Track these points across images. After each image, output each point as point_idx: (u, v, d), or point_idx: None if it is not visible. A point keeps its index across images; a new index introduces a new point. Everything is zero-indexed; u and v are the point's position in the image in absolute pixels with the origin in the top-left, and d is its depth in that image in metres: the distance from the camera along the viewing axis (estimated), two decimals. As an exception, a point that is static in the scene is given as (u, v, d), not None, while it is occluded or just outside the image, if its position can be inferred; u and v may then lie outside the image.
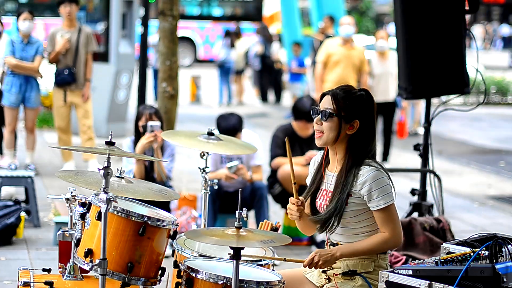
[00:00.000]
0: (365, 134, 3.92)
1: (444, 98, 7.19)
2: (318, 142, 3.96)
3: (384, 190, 3.86)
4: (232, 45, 18.90)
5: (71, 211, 4.08)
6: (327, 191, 3.99)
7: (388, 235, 3.88)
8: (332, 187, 3.96)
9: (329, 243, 4.08)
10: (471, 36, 7.07)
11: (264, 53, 19.15)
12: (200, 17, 27.26)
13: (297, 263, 3.97)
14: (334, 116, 3.89)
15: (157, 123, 6.65)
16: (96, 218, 3.77)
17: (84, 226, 3.89)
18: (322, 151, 4.09)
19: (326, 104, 3.92)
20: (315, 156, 4.16)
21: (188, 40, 26.51)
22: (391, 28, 22.93)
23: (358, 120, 3.90)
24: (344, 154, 3.95)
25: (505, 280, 3.50)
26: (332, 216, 3.92)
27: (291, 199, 3.97)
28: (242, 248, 3.47)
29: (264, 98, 19.67)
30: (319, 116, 3.92)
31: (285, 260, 3.96)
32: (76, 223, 3.98)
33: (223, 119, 7.14)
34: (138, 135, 6.81)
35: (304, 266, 3.90)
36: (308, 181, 4.14)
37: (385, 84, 11.21)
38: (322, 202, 3.99)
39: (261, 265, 4.02)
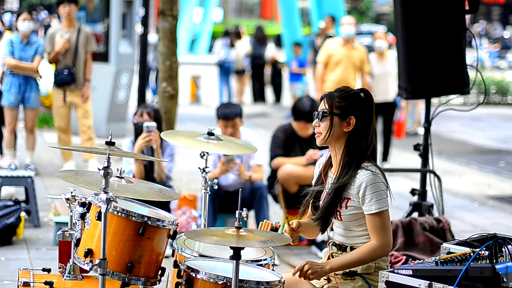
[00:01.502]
0: (362, 132, 3.93)
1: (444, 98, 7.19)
2: (317, 142, 4.01)
3: (378, 195, 3.85)
4: (232, 45, 18.90)
5: (71, 211, 4.08)
6: (328, 192, 4.00)
7: (375, 243, 3.86)
8: None
9: (331, 243, 4.08)
10: (471, 35, 7.07)
11: (253, 54, 19.14)
12: None
13: (290, 266, 3.97)
14: (327, 115, 3.93)
15: (152, 124, 6.67)
16: (96, 218, 3.77)
17: (84, 226, 3.89)
18: (327, 152, 4.11)
19: (322, 106, 3.98)
20: (321, 158, 4.18)
21: None
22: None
23: (354, 116, 3.92)
24: (342, 155, 3.96)
25: (505, 280, 3.50)
26: (325, 214, 3.93)
27: (286, 226, 4.02)
28: (242, 248, 3.47)
29: (254, 98, 19.66)
30: (316, 118, 3.97)
31: (278, 256, 3.95)
32: (76, 223, 3.98)
33: (223, 106, 7.21)
34: (136, 134, 6.83)
35: (293, 274, 3.90)
36: (313, 182, 4.16)
37: (384, 84, 11.20)
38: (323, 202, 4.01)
39: (261, 265, 4.02)
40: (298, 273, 3.86)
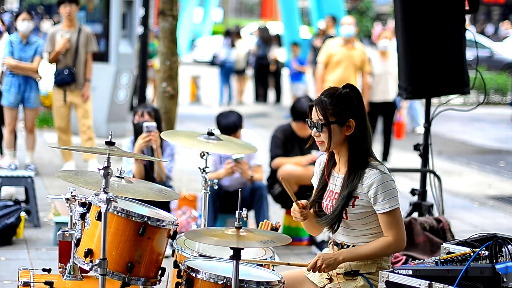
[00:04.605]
0: (361, 129, 3.92)
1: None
2: (321, 149, 3.99)
3: (390, 194, 3.86)
4: (233, 45, 18.91)
5: (71, 211, 4.08)
6: (333, 192, 3.99)
7: (391, 239, 3.88)
8: (338, 188, 3.97)
9: (331, 243, 4.08)
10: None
11: (258, 54, 19.13)
12: None
13: (301, 267, 3.98)
14: (326, 125, 3.89)
15: (152, 124, 6.66)
16: (96, 218, 3.77)
17: (84, 226, 3.89)
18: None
19: (316, 115, 3.93)
20: (321, 156, 4.17)
21: None
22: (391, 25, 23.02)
23: (353, 118, 3.91)
24: (347, 155, 3.95)
25: (505, 280, 3.50)
26: (337, 216, 3.93)
27: (294, 205, 3.98)
28: (242, 248, 3.47)
29: (256, 98, 19.66)
30: (315, 129, 3.94)
31: (288, 264, 3.96)
32: (76, 223, 3.98)
33: (222, 117, 7.14)
34: (136, 134, 6.83)
35: (308, 270, 3.90)
36: (313, 180, 4.15)
37: (385, 83, 11.19)
38: (328, 203, 4.00)
39: (261, 265, 4.01)
40: (313, 269, 3.86)
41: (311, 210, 4.07)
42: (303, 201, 4.00)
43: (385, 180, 3.87)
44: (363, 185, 3.88)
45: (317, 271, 3.89)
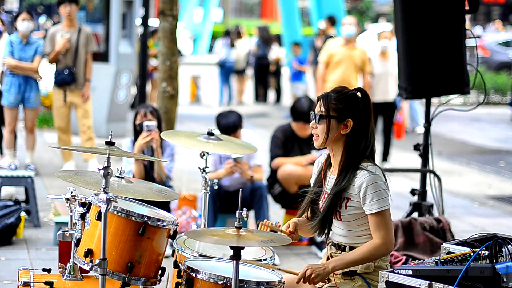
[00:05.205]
0: (360, 133, 3.92)
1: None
2: (315, 144, 4.00)
3: (379, 195, 3.85)
4: (232, 45, 18.90)
5: (71, 211, 4.08)
6: (328, 193, 3.99)
7: (378, 242, 3.86)
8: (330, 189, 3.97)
9: (330, 243, 4.08)
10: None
11: (258, 54, 19.13)
12: None
13: (292, 274, 3.96)
14: (324, 118, 3.91)
15: (152, 123, 6.66)
16: (96, 218, 3.77)
17: (84, 226, 3.89)
18: (326, 151, 4.10)
19: (319, 107, 3.96)
20: (320, 157, 4.17)
21: None
22: (384, 25, 22.97)
23: (351, 119, 3.91)
24: (341, 155, 3.95)
25: (505, 280, 3.50)
26: (324, 218, 3.93)
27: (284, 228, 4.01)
28: (242, 248, 3.47)
29: (256, 98, 19.66)
30: (313, 120, 3.96)
31: (279, 270, 3.95)
32: (76, 223, 3.98)
33: (222, 116, 7.14)
34: (136, 135, 6.82)
35: (297, 282, 3.86)
36: (312, 181, 4.15)
37: (385, 84, 11.19)
38: (322, 204, 4.00)
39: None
40: (302, 280, 3.85)
41: (304, 215, 4.08)
42: (291, 225, 4.00)
43: (375, 181, 3.86)
44: (354, 186, 3.88)
45: (308, 283, 3.85)
